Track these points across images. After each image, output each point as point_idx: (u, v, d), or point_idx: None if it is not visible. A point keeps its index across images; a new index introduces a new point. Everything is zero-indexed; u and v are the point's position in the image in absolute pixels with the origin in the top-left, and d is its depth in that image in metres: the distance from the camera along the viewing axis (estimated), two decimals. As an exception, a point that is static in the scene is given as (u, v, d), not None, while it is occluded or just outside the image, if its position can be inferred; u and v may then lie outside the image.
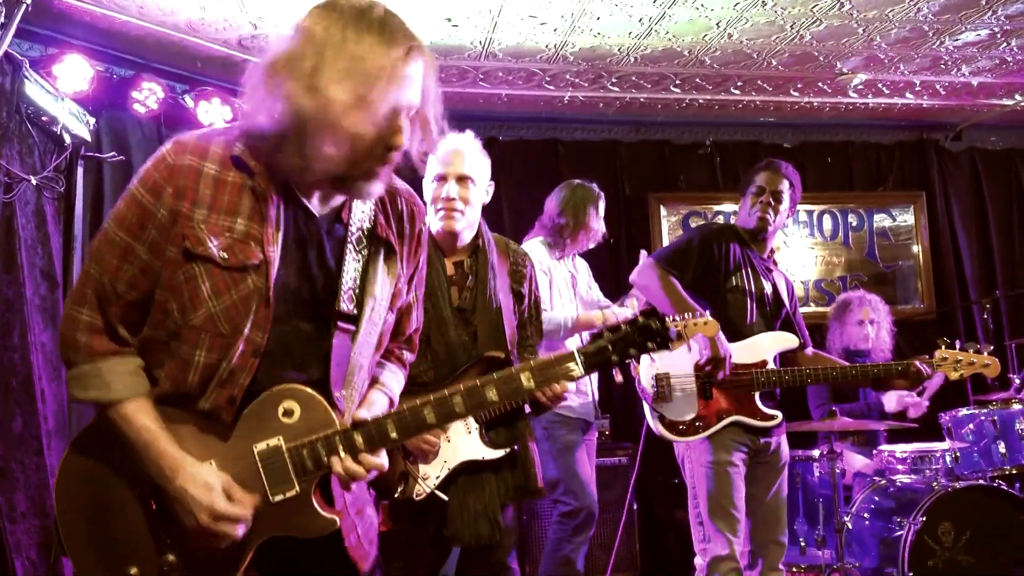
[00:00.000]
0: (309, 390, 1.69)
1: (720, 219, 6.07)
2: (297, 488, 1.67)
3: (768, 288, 3.64)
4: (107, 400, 1.64)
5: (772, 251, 3.80)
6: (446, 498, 2.63)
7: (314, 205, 1.73)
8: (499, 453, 2.71)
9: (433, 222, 2.85)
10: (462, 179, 2.83)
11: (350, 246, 1.75)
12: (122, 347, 1.68)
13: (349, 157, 1.59)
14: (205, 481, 1.61)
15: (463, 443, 2.70)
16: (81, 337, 1.65)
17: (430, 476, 2.66)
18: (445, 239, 2.87)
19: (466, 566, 2.96)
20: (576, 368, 1.71)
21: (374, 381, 1.91)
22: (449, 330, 2.73)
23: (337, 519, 1.72)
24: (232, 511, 1.61)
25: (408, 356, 2.04)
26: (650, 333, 1.73)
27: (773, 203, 3.62)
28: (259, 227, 1.64)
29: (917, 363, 3.45)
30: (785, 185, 3.66)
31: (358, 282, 1.75)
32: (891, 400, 4.87)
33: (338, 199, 1.75)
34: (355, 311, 1.75)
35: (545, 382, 1.72)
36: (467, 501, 2.67)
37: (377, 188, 1.68)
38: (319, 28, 1.56)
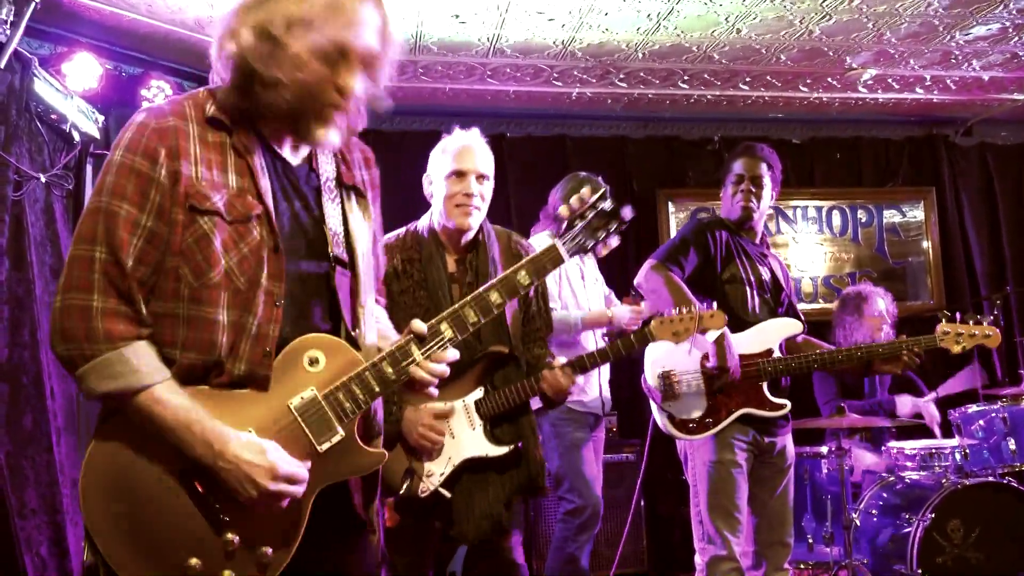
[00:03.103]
0: (328, 336, 1.70)
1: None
2: (342, 432, 1.68)
3: (766, 274, 3.61)
4: (139, 386, 1.54)
5: (764, 236, 3.77)
6: (448, 495, 2.63)
7: (287, 155, 1.75)
8: (503, 450, 2.70)
9: (445, 218, 2.83)
10: (480, 177, 2.83)
11: (326, 194, 1.78)
12: (143, 329, 1.59)
13: (301, 92, 1.62)
14: (259, 446, 1.58)
15: (468, 439, 2.70)
16: (98, 324, 1.54)
17: (434, 473, 2.66)
18: (452, 236, 2.86)
19: (472, 562, 2.97)
20: (562, 253, 1.87)
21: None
22: None
23: (385, 452, 1.75)
24: (292, 469, 1.60)
25: (381, 300, 2.07)
26: (607, 213, 1.91)
27: (754, 189, 3.58)
28: (250, 181, 1.66)
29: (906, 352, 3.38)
30: (763, 168, 3.61)
31: (341, 228, 1.78)
32: (905, 404, 4.85)
33: (305, 149, 1.77)
34: (347, 256, 1.78)
35: (539, 273, 1.86)
36: (473, 500, 2.67)
37: (333, 136, 1.69)
38: None
